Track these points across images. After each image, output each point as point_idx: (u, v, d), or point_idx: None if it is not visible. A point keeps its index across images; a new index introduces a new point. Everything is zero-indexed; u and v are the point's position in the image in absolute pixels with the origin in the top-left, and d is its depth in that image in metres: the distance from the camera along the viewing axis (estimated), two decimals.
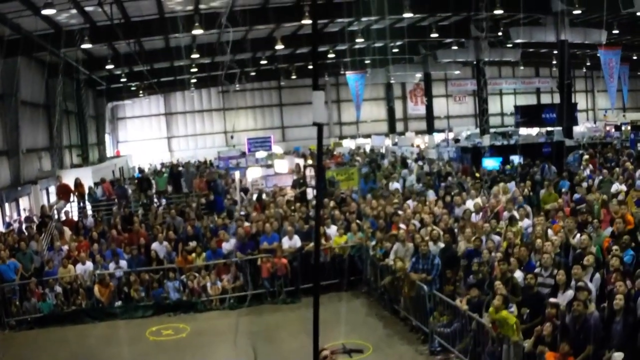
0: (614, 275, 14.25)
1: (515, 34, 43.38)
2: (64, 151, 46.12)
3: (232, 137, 72.10)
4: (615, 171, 29.58)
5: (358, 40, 46.48)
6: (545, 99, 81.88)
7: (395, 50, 55.30)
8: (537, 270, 15.89)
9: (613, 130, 66.00)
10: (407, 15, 39.46)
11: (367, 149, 63.00)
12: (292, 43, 49.39)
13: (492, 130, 58.87)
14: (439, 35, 48.27)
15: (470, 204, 24.58)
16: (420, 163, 42.47)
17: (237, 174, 39.43)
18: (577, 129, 54.04)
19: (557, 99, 60.61)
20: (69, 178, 36.56)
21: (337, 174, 36.12)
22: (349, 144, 69.70)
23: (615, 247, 15.82)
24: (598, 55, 48.89)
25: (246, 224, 24.47)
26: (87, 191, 33.86)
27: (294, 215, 25.11)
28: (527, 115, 46.36)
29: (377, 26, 45.47)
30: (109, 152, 64.51)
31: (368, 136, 73.23)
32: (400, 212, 23.69)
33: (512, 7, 37.66)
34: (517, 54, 56.29)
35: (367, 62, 59.27)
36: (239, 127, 74.84)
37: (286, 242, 22.47)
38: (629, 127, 64.93)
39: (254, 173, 38.21)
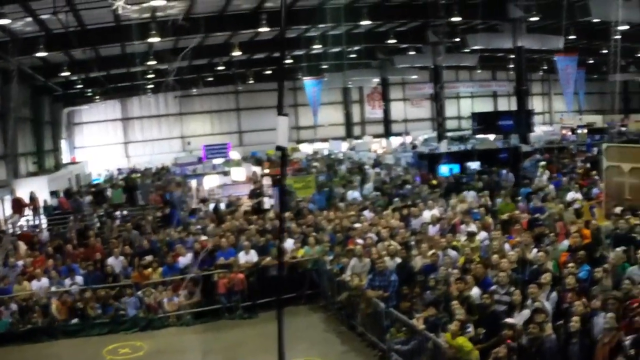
0: (569, 294, 14.30)
1: (472, 40, 43.63)
2: (19, 159, 45.46)
3: (189, 144, 71.82)
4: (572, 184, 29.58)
5: (315, 46, 46.49)
6: (502, 103, 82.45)
7: (353, 55, 55.29)
8: (493, 287, 15.86)
9: (570, 133, 66.45)
10: (364, 22, 39.59)
11: (325, 153, 63.03)
12: (250, 49, 49.35)
13: (449, 134, 59.16)
14: (397, 41, 48.40)
15: (427, 215, 24.64)
16: (377, 170, 42.46)
17: (194, 183, 39.30)
18: (533, 133, 54.42)
19: (514, 103, 61.05)
20: (24, 188, 36.25)
21: (295, 182, 35.92)
22: (306, 149, 69.66)
23: (571, 265, 15.86)
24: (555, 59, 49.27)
25: (203, 237, 24.30)
26: (42, 204, 33.38)
27: (250, 229, 24.93)
28: (484, 122, 46.59)
29: (335, 32, 45.42)
30: (65, 158, 63.83)
31: (326, 140, 73.21)
32: (357, 225, 23.65)
33: (470, 13, 37.89)
34: (474, 59, 56.62)
35: (324, 67, 59.31)
36: (196, 132, 74.61)
37: (243, 257, 22.28)
38: (585, 131, 65.44)
39: (211, 181, 37.96)
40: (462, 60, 57.85)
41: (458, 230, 22.06)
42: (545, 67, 71.99)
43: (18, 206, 31.66)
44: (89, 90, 59.54)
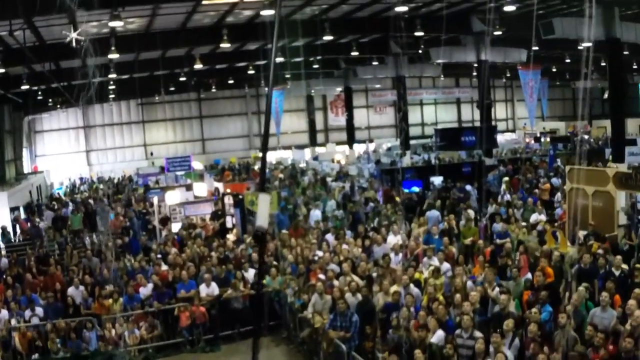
0: (532, 344, 14.21)
1: (435, 54, 43.60)
2: None
3: (151, 154, 71.42)
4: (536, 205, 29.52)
5: (277, 58, 46.23)
6: (466, 109, 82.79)
7: (316, 65, 55.10)
8: (457, 331, 15.70)
9: (533, 142, 66.65)
10: (327, 38, 39.52)
11: (289, 162, 62.88)
12: (211, 61, 49.07)
13: (412, 141, 59.19)
14: (359, 53, 48.25)
15: (391, 240, 24.49)
16: (340, 184, 42.21)
17: (155, 200, 38.83)
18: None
19: (477, 110, 61.30)
20: None
21: (256, 197, 35.52)
22: (269, 157, 69.48)
23: (534, 310, 15.74)
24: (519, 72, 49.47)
25: (163, 267, 24.00)
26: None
27: (211, 257, 24.65)
28: (446, 138, 46.45)
29: (297, 43, 45.21)
30: (27, 167, 63.14)
31: (289, 147, 73.03)
32: (319, 254, 23.48)
33: (433, 27, 37.82)
34: (437, 69, 56.72)
35: (287, 76, 59.09)
36: (159, 140, 74.24)
37: (204, 290, 22.00)
38: (548, 139, 65.70)
39: (172, 198, 37.50)
40: (424, 70, 57.95)
41: (421, 261, 21.89)
42: (509, 75, 72.21)
43: None
44: (50, 99, 58.84)
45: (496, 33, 37.33)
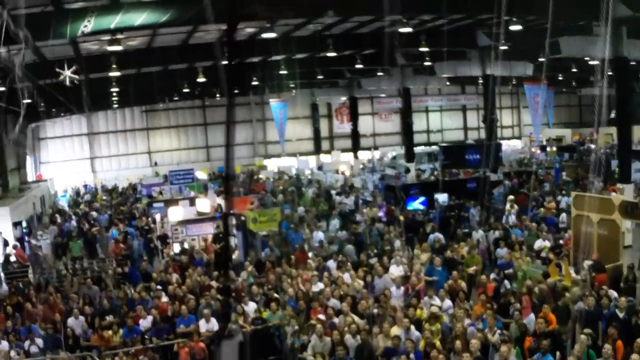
0: None
1: (440, 69, 43.45)
2: None
3: (155, 164, 71.27)
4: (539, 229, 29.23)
5: (282, 71, 46.13)
6: (471, 117, 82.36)
7: (320, 76, 54.91)
8: None
9: (538, 151, 66.19)
10: (330, 54, 39.35)
11: (293, 171, 62.64)
12: (214, 74, 48.92)
13: (417, 148, 58.96)
14: (363, 65, 47.97)
15: (393, 271, 24.22)
16: (344, 200, 41.91)
17: (158, 217, 38.64)
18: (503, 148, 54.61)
19: (483, 116, 61.12)
20: None
21: (259, 215, 35.28)
22: (273, 166, 69.46)
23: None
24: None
25: (164, 298, 23.74)
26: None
27: (212, 286, 24.39)
28: (451, 157, 46.24)
29: (301, 55, 44.99)
30: (30, 175, 63.01)
31: (294, 155, 72.88)
32: (320, 285, 23.22)
33: (438, 41, 37.53)
34: (442, 80, 56.43)
35: (291, 86, 58.97)
36: (163, 147, 74.14)
37: (203, 326, 21.71)
38: (554, 148, 65.40)
39: (175, 214, 37.21)
40: (430, 82, 57.74)
41: (422, 297, 21.60)
42: (514, 82, 71.81)
43: None
44: (54, 108, 58.61)
45: (502, 48, 37.13)
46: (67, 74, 25.80)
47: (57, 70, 27.22)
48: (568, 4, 26.66)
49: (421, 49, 39.26)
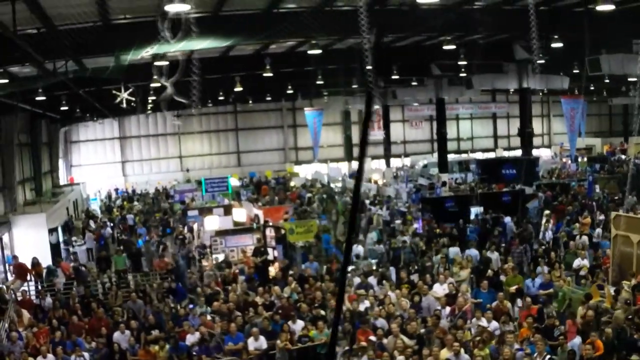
0: None
1: (477, 82, 43.37)
2: (16, 187, 44.41)
3: (187, 170, 71.51)
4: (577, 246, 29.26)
5: (318, 81, 46.29)
6: (501, 125, 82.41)
7: (354, 85, 55.02)
8: None
9: (569, 161, 66.04)
10: (369, 67, 39.32)
11: (325, 178, 62.67)
12: (252, 84, 49.18)
13: (448, 157, 58.91)
14: (400, 75, 47.97)
15: (437, 290, 24.25)
16: (379, 212, 41.90)
17: (195, 226, 38.80)
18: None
19: (513, 125, 61.04)
20: (21, 226, 35.69)
21: (296, 226, 35.47)
22: (304, 172, 69.61)
23: None
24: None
25: (208, 317, 23.76)
26: (44, 271, 32.46)
27: (256, 304, 24.38)
28: (487, 171, 46.21)
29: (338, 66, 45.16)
30: (62, 178, 63.33)
31: (325, 161, 73.07)
32: (366, 303, 23.26)
33: (475, 54, 37.59)
34: (476, 91, 56.40)
35: (325, 94, 59.13)
36: (195, 152, 74.43)
37: (252, 344, 21.74)
38: (585, 159, 65.31)
39: (211, 223, 37.39)
40: (464, 92, 57.65)
41: (468, 317, 21.65)
42: (545, 91, 71.66)
43: (20, 272, 30.93)
44: (87, 113, 59.07)
45: (540, 62, 37.16)
46: (124, 96, 26.04)
47: (114, 92, 27.38)
48: (608, 21, 26.71)
49: (459, 62, 39.26)
